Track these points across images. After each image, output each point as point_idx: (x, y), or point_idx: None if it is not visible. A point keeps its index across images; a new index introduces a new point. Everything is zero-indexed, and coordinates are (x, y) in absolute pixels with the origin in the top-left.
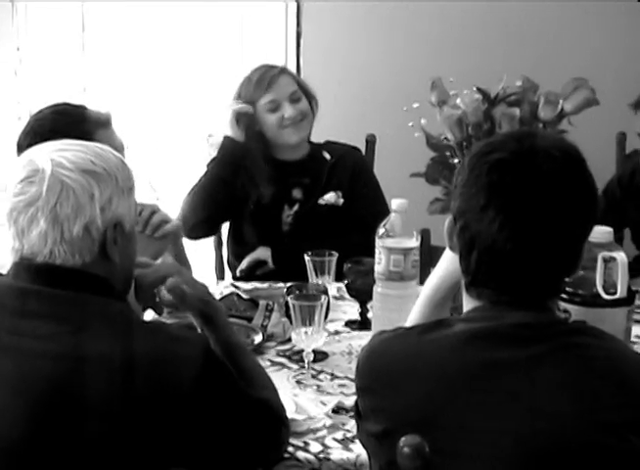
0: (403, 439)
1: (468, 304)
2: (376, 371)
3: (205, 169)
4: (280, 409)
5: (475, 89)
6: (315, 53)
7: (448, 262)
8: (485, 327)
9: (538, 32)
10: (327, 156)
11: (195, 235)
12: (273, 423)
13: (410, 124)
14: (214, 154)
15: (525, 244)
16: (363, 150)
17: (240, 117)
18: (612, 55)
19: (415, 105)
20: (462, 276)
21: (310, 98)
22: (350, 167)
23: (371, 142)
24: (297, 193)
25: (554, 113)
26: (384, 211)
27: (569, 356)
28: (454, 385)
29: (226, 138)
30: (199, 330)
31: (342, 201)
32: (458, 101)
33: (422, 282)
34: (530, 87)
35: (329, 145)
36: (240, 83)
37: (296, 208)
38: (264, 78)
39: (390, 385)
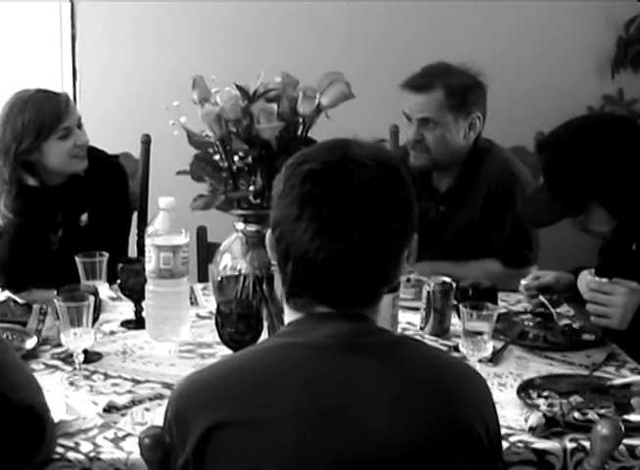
0: (144, 429)
1: (287, 318)
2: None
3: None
4: (43, 407)
5: (234, 86)
6: (91, 55)
7: None
8: (298, 342)
9: (295, 29)
10: (81, 173)
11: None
12: (36, 422)
13: (171, 122)
14: None
15: (336, 253)
16: (139, 151)
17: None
18: (368, 47)
19: (175, 103)
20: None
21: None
22: (101, 184)
23: (146, 143)
24: (59, 217)
25: (312, 107)
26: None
27: (388, 369)
28: (256, 397)
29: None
30: None
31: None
32: (218, 98)
33: (200, 279)
34: (290, 83)
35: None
36: (13, 117)
37: (60, 233)
38: (59, 107)
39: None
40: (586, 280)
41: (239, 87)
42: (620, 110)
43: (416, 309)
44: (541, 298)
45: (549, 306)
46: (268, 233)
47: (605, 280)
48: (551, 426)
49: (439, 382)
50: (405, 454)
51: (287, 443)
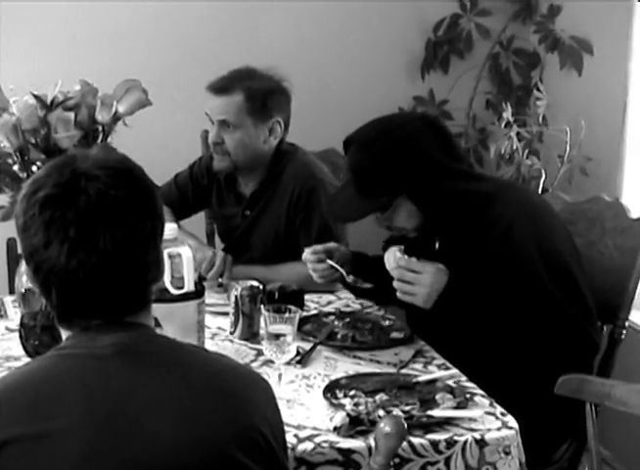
0: None
1: (64, 335)
2: None
3: None
4: None
5: (31, 95)
6: None
7: None
8: (79, 353)
9: (98, 35)
10: None
11: None
12: None
13: None
14: None
15: (95, 268)
16: None
17: None
18: (174, 51)
19: None
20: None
21: None
22: None
23: None
24: None
25: (110, 115)
26: None
27: (170, 375)
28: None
29: None
30: None
31: None
32: (14, 108)
33: (11, 291)
34: (90, 91)
35: None
36: None
37: None
38: None
39: None
40: (395, 257)
41: (36, 96)
42: (432, 110)
43: (227, 314)
44: (329, 261)
45: (338, 268)
46: (25, 267)
47: (414, 259)
48: (356, 425)
49: (222, 384)
50: (192, 458)
51: (71, 453)
